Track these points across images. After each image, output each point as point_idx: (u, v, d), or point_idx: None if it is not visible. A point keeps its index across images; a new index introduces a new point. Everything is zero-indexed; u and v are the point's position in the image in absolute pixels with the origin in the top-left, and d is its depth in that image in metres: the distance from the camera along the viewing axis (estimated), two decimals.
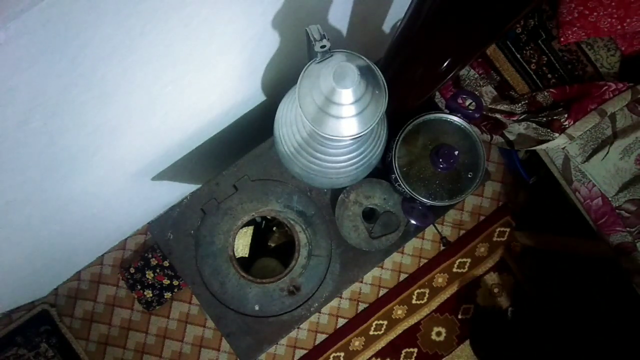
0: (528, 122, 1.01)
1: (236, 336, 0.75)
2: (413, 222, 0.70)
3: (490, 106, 1.08)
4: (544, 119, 0.99)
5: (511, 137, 1.04)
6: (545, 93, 1.03)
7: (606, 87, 0.95)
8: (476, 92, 1.09)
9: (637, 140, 0.93)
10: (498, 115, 1.05)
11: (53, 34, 0.36)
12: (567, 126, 0.94)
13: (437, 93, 1.11)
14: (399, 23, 0.55)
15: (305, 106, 0.49)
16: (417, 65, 0.59)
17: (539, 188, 1.31)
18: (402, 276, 1.33)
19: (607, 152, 0.93)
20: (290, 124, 0.58)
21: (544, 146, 0.96)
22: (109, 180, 0.76)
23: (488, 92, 1.10)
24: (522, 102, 1.04)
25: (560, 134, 0.94)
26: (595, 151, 0.95)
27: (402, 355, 1.31)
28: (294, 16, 0.62)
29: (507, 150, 1.12)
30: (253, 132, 0.90)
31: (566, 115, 0.95)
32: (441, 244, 1.35)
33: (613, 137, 0.94)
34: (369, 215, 0.76)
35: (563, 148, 0.97)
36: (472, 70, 1.11)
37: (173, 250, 0.76)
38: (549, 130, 0.96)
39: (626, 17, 0.92)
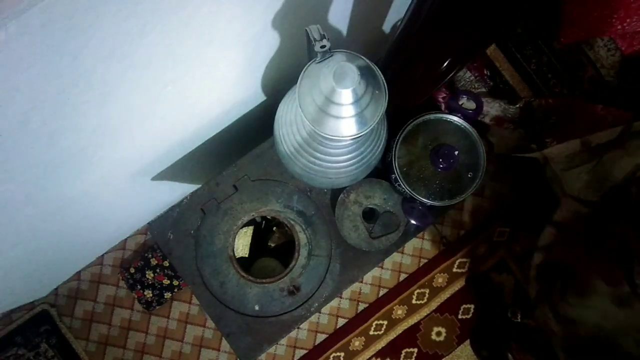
0: (519, 130, 1.01)
1: (236, 336, 0.75)
2: (413, 222, 0.70)
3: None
4: (532, 127, 0.99)
5: (492, 140, 1.04)
6: (542, 101, 1.03)
7: (602, 114, 0.92)
8: None
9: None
10: (487, 120, 1.05)
11: (53, 34, 0.36)
12: (548, 145, 0.93)
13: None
14: (399, 23, 0.55)
15: (305, 106, 0.49)
16: (417, 65, 0.59)
17: (539, 188, 1.30)
18: (402, 276, 1.33)
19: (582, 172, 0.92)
20: (290, 124, 0.58)
21: (520, 155, 0.96)
22: (109, 180, 0.76)
23: (482, 94, 1.11)
24: (518, 105, 1.04)
25: (538, 151, 0.93)
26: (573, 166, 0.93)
27: (402, 355, 1.31)
28: (294, 16, 0.62)
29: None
30: (253, 132, 0.90)
31: (552, 134, 0.94)
32: (441, 244, 1.35)
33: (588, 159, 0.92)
34: (369, 215, 0.76)
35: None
36: (467, 72, 1.11)
37: (173, 250, 0.76)
38: (532, 143, 0.96)
39: (626, 17, 0.92)
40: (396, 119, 0.65)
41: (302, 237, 0.75)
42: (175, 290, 1.27)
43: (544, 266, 0.97)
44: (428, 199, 0.65)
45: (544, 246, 0.96)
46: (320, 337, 1.31)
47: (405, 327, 1.32)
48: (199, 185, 0.77)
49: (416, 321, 1.32)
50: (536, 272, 0.97)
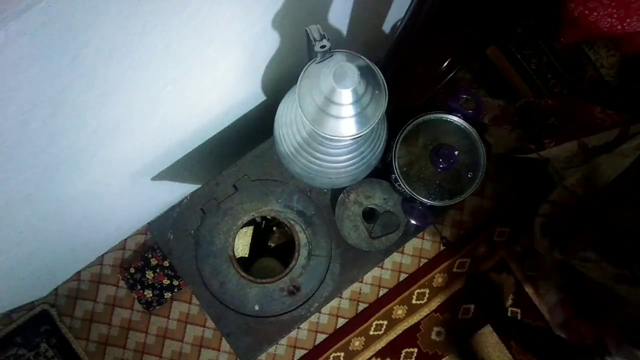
0: (517, 130, 1.01)
1: (236, 336, 0.75)
2: (413, 222, 0.70)
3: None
4: (531, 128, 0.99)
5: (490, 140, 1.04)
6: (542, 102, 1.03)
7: (601, 117, 0.93)
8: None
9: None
10: (486, 121, 1.05)
11: (53, 34, 0.36)
12: (546, 146, 0.94)
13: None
14: (399, 23, 0.56)
15: (305, 106, 0.49)
16: (417, 65, 0.59)
17: (539, 188, 1.30)
18: (402, 276, 1.33)
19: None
20: (290, 124, 0.58)
21: (519, 156, 0.96)
22: (109, 180, 0.76)
23: (482, 94, 1.10)
24: (519, 104, 1.04)
25: (536, 151, 0.94)
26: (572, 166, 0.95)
27: (402, 355, 1.31)
28: (294, 16, 0.62)
29: None
30: (253, 132, 0.90)
31: (550, 134, 0.95)
32: (441, 244, 1.35)
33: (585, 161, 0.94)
34: (369, 215, 0.76)
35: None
36: (467, 72, 1.11)
37: (173, 250, 0.76)
38: (530, 144, 0.96)
39: (626, 17, 0.92)
40: (396, 119, 0.66)
41: (302, 237, 0.75)
42: (175, 290, 1.27)
43: (545, 224, 1.03)
44: (428, 199, 0.65)
45: (542, 214, 1.03)
46: (320, 337, 1.31)
47: (405, 327, 1.32)
48: (199, 185, 0.77)
49: (416, 321, 1.32)
50: (540, 229, 1.04)
